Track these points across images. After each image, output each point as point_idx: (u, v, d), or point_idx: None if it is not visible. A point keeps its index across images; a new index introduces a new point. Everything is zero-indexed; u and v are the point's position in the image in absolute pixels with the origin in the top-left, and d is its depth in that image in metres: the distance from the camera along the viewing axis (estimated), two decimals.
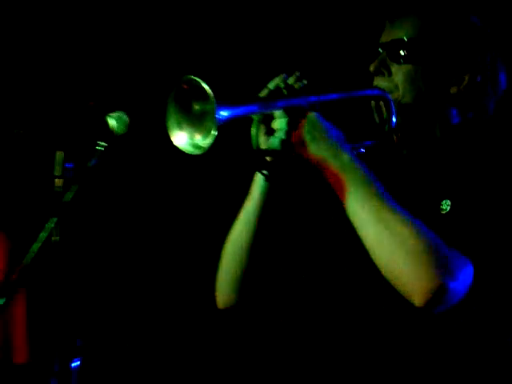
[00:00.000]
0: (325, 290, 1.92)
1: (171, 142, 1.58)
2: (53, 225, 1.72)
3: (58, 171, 1.72)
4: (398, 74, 1.83)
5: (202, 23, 3.43)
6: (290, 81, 1.69)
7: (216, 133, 1.49)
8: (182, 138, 1.58)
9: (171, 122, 1.58)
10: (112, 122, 1.78)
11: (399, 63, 1.83)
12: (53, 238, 1.68)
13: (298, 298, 1.99)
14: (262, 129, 1.70)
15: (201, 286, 2.66)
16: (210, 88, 1.49)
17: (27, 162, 1.82)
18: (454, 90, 1.84)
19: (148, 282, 3.76)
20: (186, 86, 1.57)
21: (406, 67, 1.83)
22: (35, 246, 1.78)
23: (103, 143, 1.79)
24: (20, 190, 1.86)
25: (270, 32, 3.46)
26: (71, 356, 1.78)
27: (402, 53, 1.83)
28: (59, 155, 1.71)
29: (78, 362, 1.79)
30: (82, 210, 1.84)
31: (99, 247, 3.50)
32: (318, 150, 1.66)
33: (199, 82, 1.50)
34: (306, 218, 1.94)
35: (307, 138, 1.65)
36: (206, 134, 1.53)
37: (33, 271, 1.80)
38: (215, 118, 1.49)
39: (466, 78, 1.83)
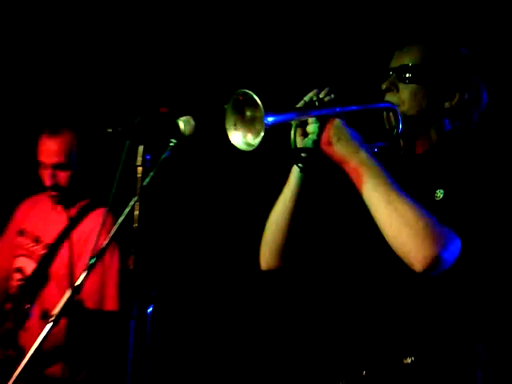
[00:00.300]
0: (348, 258, 2.29)
1: (229, 141, 1.93)
2: (133, 202, 2.15)
3: (139, 161, 2.11)
4: (405, 91, 2.20)
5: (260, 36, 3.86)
6: (321, 95, 2.03)
7: (263, 134, 1.82)
8: (237, 138, 1.93)
9: (229, 125, 1.92)
10: (181, 124, 2.14)
11: (405, 83, 2.20)
12: (135, 212, 2.12)
13: (326, 264, 2.35)
14: (299, 132, 2.06)
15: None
16: (260, 99, 1.83)
17: (117, 154, 2.22)
18: (447, 104, 2.21)
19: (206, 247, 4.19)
20: (241, 97, 1.90)
21: (411, 86, 2.20)
22: (121, 219, 2.23)
23: (174, 140, 2.16)
24: (111, 176, 2.26)
25: (299, 50, 3.90)
26: (147, 303, 2.21)
27: (407, 75, 2.21)
28: (140, 148, 2.12)
29: (151, 308, 2.24)
30: (156, 191, 2.25)
31: (171, 221, 3.97)
32: (341, 148, 2.01)
33: (252, 95, 1.84)
34: (332, 202, 2.32)
35: (333, 139, 1.99)
36: (256, 134, 1.87)
37: (121, 234, 2.24)
38: (263, 122, 1.82)
39: (457, 95, 2.20)
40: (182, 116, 2.20)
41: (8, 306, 3.38)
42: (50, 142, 3.29)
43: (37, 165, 3.42)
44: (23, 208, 3.54)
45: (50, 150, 3.27)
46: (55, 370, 3.31)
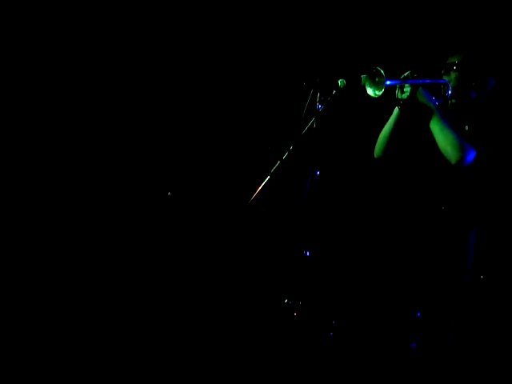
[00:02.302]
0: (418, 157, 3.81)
1: (365, 92, 3.48)
2: (312, 120, 3.76)
3: (319, 100, 3.67)
4: (452, 75, 3.78)
5: None
6: (411, 74, 3.60)
7: (383, 90, 3.40)
8: (370, 91, 3.48)
9: (367, 84, 3.47)
10: (340, 82, 3.62)
11: (454, 71, 3.78)
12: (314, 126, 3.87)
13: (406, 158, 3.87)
14: (400, 90, 3.60)
15: None
16: (384, 72, 3.36)
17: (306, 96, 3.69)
18: (473, 84, 3.78)
19: None
20: (374, 70, 3.43)
21: (456, 73, 3.76)
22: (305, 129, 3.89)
23: (335, 91, 3.69)
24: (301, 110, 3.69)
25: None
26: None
27: (454, 68, 3.75)
28: (319, 94, 3.68)
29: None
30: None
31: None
32: (422, 97, 3.56)
33: (380, 70, 3.40)
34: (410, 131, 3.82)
35: (418, 93, 3.56)
36: (380, 89, 3.43)
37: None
38: (384, 83, 3.39)
39: (479, 80, 3.77)
40: (340, 79, 3.67)
41: None
42: None
43: None
44: None
45: None
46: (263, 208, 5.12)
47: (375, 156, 3.97)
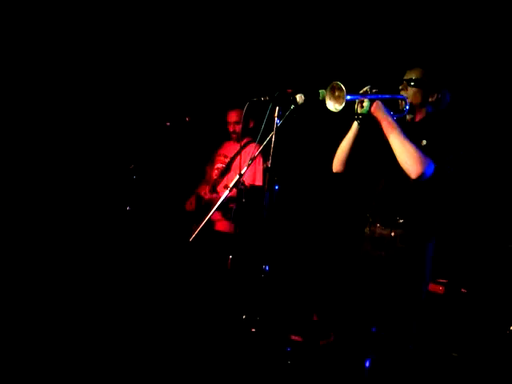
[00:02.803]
0: (378, 170, 3.84)
1: (326, 107, 3.44)
2: (271, 135, 3.74)
3: (276, 114, 3.67)
4: (410, 90, 3.82)
5: None
6: (370, 89, 3.63)
7: (344, 104, 3.35)
8: (330, 105, 3.45)
9: (327, 98, 3.45)
10: (298, 97, 3.63)
11: (411, 86, 3.82)
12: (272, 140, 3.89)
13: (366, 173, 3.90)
14: (359, 105, 3.62)
15: None
16: (344, 87, 3.34)
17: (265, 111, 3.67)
18: (430, 99, 3.83)
19: None
20: (335, 85, 3.42)
21: (414, 89, 3.82)
22: (264, 143, 3.97)
23: (293, 106, 3.67)
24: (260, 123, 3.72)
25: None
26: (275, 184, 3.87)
27: (412, 83, 3.80)
28: (277, 108, 3.67)
29: (277, 187, 3.86)
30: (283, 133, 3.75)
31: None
32: (381, 114, 3.58)
33: (340, 84, 3.38)
34: (371, 143, 3.83)
35: (377, 109, 3.59)
36: (340, 103, 3.39)
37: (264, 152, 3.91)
38: (345, 98, 3.35)
39: (435, 95, 3.83)
40: (297, 93, 3.64)
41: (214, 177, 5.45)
42: (232, 112, 5.45)
43: None
44: (222, 145, 5.68)
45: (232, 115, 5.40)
46: (224, 226, 5.36)
47: (334, 170, 3.99)
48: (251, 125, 5.65)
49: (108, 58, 6.18)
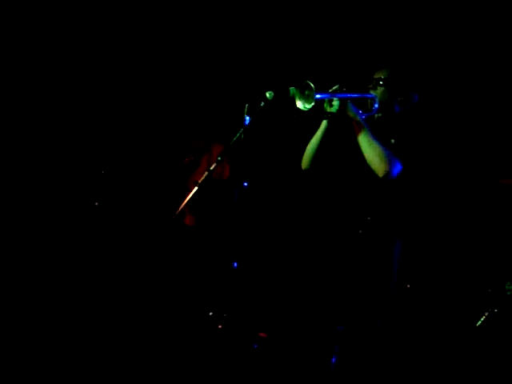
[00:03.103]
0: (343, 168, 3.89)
1: (295, 105, 3.49)
2: (239, 133, 3.75)
3: (246, 111, 3.69)
4: (379, 90, 3.87)
5: None
6: (340, 88, 3.65)
7: (313, 103, 3.42)
8: (299, 104, 3.50)
9: (297, 97, 3.49)
10: (268, 94, 3.58)
11: (380, 85, 3.88)
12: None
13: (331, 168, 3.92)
14: (328, 103, 3.64)
15: None
16: (314, 85, 3.39)
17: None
18: (399, 98, 3.90)
19: None
20: (304, 84, 3.45)
21: (382, 88, 3.87)
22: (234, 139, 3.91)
23: (263, 102, 3.63)
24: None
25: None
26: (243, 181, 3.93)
27: (381, 83, 3.87)
28: (247, 105, 3.70)
29: (246, 184, 3.96)
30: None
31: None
32: (350, 112, 3.62)
33: (309, 83, 3.42)
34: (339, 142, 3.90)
35: (346, 107, 3.63)
36: (310, 102, 3.45)
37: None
38: (314, 97, 3.42)
39: (403, 95, 3.88)
40: (268, 91, 3.60)
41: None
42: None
43: None
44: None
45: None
46: (192, 221, 5.25)
47: (303, 168, 4.01)
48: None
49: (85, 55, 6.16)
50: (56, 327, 4.86)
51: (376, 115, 3.95)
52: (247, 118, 3.74)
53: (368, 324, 3.79)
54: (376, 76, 3.94)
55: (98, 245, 5.70)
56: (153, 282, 5.46)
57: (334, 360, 3.91)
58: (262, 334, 5.08)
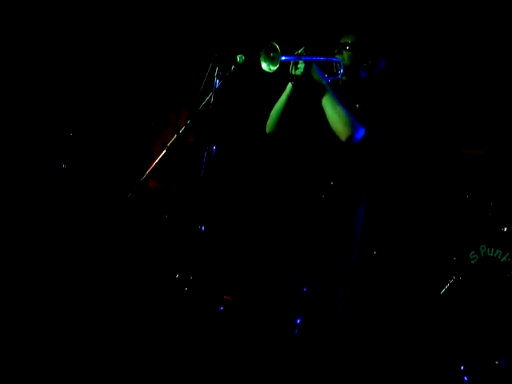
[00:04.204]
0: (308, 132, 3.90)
1: (261, 67, 3.46)
2: (211, 95, 3.83)
3: (216, 74, 3.76)
4: (345, 54, 3.88)
5: None
6: (305, 50, 3.63)
7: (278, 65, 3.39)
8: (264, 66, 3.47)
9: (262, 59, 3.45)
10: (238, 58, 3.74)
11: (346, 50, 3.88)
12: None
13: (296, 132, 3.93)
14: (294, 66, 3.63)
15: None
16: (279, 47, 3.36)
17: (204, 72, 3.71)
18: (364, 64, 3.91)
19: None
20: (270, 45, 3.42)
21: (348, 52, 3.87)
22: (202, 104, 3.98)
23: (233, 66, 3.79)
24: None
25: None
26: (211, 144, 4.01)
27: (347, 47, 3.86)
28: (217, 68, 3.75)
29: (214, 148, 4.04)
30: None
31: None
32: (315, 74, 3.61)
33: (275, 45, 3.38)
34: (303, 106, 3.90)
35: (312, 70, 3.62)
36: (275, 64, 3.42)
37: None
38: (279, 59, 3.38)
39: (370, 61, 3.91)
40: (238, 54, 3.75)
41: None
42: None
43: None
44: None
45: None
46: (154, 184, 5.26)
47: (267, 131, 4.00)
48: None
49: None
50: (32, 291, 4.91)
51: (341, 79, 3.96)
52: (217, 81, 3.78)
53: (330, 290, 3.82)
54: (343, 41, 3.95)
55: (67, 207, 5.70)
56: (119, 246, 5.49)
57: (299, 321, 3.95)
58: (227, 297, 5.10)
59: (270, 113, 3.94)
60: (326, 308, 3.84)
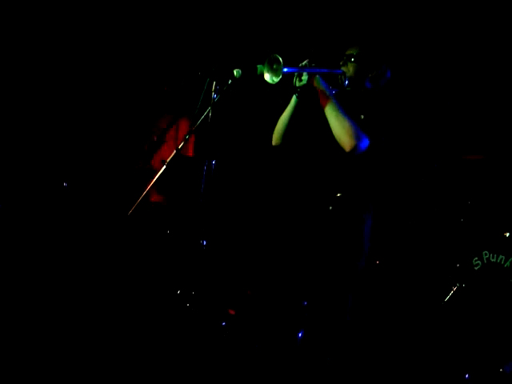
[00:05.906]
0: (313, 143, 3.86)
1: (264, 78, 3.48)
2: (208, 110, 3.81)
3: (213, 89, 3.75)
4: (350, 66, 3.85)
5: None
6: (309, 62, 3.63)
7: (281, 76, 3.39)
8: (267, 77, 3.48)
9: (265, 70, 3.47)
10: (235, 72, 3.67)
11: (351, 62, 3.85)
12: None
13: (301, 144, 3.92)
14: (297, 78, 3.62)
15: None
16: (282, 59, 3.37)
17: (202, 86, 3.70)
18: (369, 75, 3.87)
19: None
20: (273, 57, 3.43)
21: (353, 64, 3.84)
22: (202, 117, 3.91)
23: (231, 80, 3.74)
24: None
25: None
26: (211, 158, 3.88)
27: (352, 59, 3.84)
28: (214, 83, 3.77)
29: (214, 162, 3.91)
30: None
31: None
32: (319, 85, 3.60)
33: (278, 57, 3.40)
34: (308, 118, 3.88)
35: (315, 82, 3.62)
36: (277, 76, 3.43)
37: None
38: (282, 71, 3.39)
39: (375, 72, 3.87)
40: (235, 68, 3.70)
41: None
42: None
43: None
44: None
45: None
46: (155, 197, 5.20)
47: (273, 144, 3.99)
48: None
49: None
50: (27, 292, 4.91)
51: (346, 90, 3.95)
52: (215, 95, 3.80)
53: (338, 300, 3.78)
54: (348, 52, 3.94)
55: (68, 223, 5.64)
56: (121, 261, 5.42)
57: (300, 335, 3.91)
58: (230, 311, 5.05)
59: (270, 125, 3.95)
60: (336, 316, 3.81)
